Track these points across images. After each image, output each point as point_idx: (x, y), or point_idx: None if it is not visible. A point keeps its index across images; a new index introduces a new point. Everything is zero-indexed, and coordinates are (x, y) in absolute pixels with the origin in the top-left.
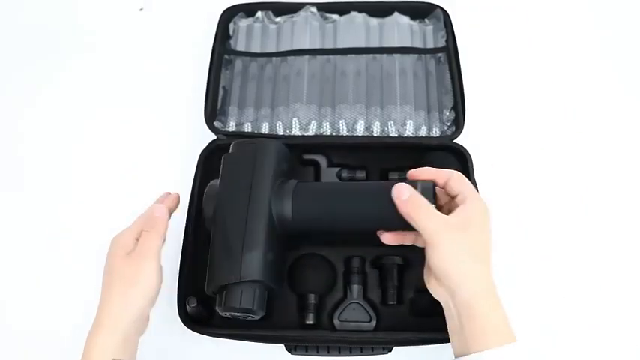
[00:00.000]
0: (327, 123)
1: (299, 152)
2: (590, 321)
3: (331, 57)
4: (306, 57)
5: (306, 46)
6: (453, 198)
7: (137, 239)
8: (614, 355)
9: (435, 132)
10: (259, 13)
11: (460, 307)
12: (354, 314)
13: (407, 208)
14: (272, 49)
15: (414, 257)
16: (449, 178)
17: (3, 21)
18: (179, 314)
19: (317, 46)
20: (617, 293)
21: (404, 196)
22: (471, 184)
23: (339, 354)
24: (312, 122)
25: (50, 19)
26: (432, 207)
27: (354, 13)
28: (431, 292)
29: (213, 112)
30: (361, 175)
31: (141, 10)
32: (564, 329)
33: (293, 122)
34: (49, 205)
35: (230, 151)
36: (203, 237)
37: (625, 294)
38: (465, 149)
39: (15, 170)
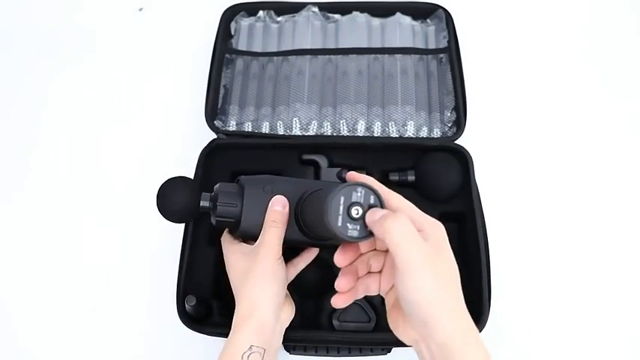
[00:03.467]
0: (328, 123)
1: (299, 152)
2: (590, 321)
3: (333, 57)
4: (308, 57)
5: (308, 46)
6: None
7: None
8: (613, 355)
9: (436, 133)
10: (261, 13)
11: (436, 352)
12: (354, 315)
13: (382, 226)
14: (273, 49)
15: None
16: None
17: (2, 21)
18: (178, 313)
19: (318, 46)
20: (618, 293)
21: (377, 213)
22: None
23: (338, 354)
24: (313, 122)
25: (50, 19)
26: (410, 223)
27: (355, 13)
28: (398, 335)
29: (213, 111)
30: None
31: (141, 10)
32: (564, 329)
33: (294, 122)
34: (48, 205)
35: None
36: (202, 236)
37: (626, 294)
38: (466, 150)
39: (15, 170)
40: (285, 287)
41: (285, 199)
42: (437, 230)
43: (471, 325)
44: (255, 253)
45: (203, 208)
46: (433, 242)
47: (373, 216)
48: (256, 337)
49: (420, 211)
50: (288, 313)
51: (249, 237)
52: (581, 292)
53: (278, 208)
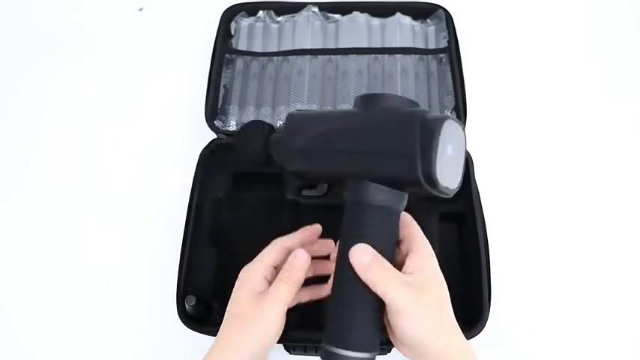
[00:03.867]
0: None
1: None
2: (590, 321)
3: (333, 57)
4: (308, 57)
5: (308, 46)
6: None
7: (266, 278)
8: (613, 355)
9: None
10: (261, 13)
11: None
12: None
13: (371, 275)
14: (273, 49)
15: None
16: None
17: (2, 21)
18: (178, 313)
19: (318, 46)
20: (618, 293)
21: (365, 260)
22: (419, 228)
23: None
24: None
25: (50, 19)
26: (393, 269)
27: (355, 13)
28: (396, 346)
29: (213, 111)
30: None
31: (140, 10)
32: (564, 329)
33: None
34: (48, 205)
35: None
36: (202, 235)
37: (626, 294)
38: (466, 150)
39: (15, 170)
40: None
41: (308, 257)
42: (425, 257)
43: (461, 340)
44: (260, 299)
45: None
46: (421, 275)
47: (360, 259)
48: None
49: (417, 228)
50: None
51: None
52: (581, 292)
53: (297, 265)
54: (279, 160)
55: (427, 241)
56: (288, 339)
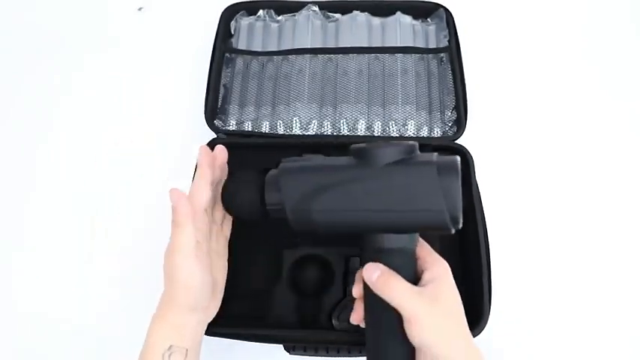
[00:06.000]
0: (328, 122)
1: (299, 152)
2: (590, 321)
3: (333, 56)
4: (308, 56)
5: (308, 45)
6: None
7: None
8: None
9: (437, 132)
10: (261, 12)
11: None
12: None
13: (380, 287)
14: (273, 48)
15: None
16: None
17: (2, 21)
18: None
19: (318, 45)
20: (618, 293)
21: (374, 276)
22: (427, 245)
23: (338, 354)
24: (313, 121)
25: (50, 19)
26: (403, 281)
27: (356, 12)
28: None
29: (213, 110)
30: None
31: (140, 9)
32: (564, 329)
33: (294, 121)
34: (48, 205)
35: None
36: None
37: (626, 294)
38: (467, 150)
39: (14, 170)
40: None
41: (182, 194)
42: (440, 272)
43: (474, 348)
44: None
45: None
46: (435, 285)
47: (370, 275)
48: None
49: (429, 248)
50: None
51: (300, 227)
52: (581, 291)
53: (176, 206)
54: (280, 217)
55: (441, 258)
56: (288, 339)
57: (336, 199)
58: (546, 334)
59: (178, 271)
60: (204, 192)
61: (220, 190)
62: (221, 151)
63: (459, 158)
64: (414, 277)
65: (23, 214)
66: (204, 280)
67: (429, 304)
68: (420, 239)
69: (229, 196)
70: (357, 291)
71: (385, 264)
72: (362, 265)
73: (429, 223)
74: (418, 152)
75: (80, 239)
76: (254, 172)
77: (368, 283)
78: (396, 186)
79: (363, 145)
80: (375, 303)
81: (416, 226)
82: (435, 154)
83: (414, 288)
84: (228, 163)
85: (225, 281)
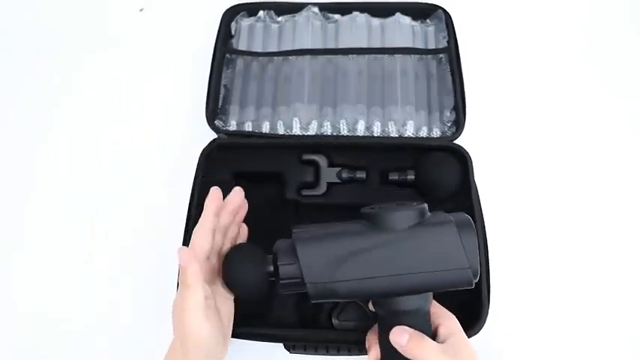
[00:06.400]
0: (328, 123)
1: (299, 152)
2: (590, 321)
3: (333, 57)
4: (308, 57)
5: (308, 46)
6: None
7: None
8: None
9: (436, 132)
10: (261, 13)
11: None
12: (353, 314)
13: (409, 350)
14: (274, 49)
15: None
16: None
17: (3, 21)
18: None
19: (318, 46)
20: (618, 293)
21: (403, 340)
22: (437, 304)
23: (338, 353)
24: (313, 122)
25: (50, 19)
26: (431, 341)
27: (355, 13)
28: None
29: (214, 110)
30: (361, 175)
31: (141, 10)
32: (564, 329)
33: (294, 122)
34: (48, 205)
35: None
36: None
37: (626, 294)
38: (465, 150)
39: (14, 170)
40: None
41: (191, 255)
42: (452, 322)
43: None
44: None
45: (268, 273)
46: (452, 342)
47: (400, 340)
48: None
49: (438, 305)
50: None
51: (320, 298)
52: (581, 291)
53: (185, 267)
54: (291, 292)
55: (450, 313)
56: (288, 338)
57: (358, 268)
58: (545, 333)
59: (189, 329)
60: (206, 241)
61: (229, 235)
62: (237, 194)
63: (469, 216)
64: (431, 332)
65: (23, 213)
66: (215, 332)
67: (454, 358)
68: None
69: (233, 272)
70: (374, 354)
71: (405, 325)
72: (380, 327)
73: (454, 281)
74: (428, 212)
75: (80, 239)
76: (254, 247)
77: (397, 346)
78: (419, 249)
79: (376, 210)
80: None
81: (440, 285)
82: (444, 213)
83: (439, 346)
84: (229, 163)
85: (232, 319)
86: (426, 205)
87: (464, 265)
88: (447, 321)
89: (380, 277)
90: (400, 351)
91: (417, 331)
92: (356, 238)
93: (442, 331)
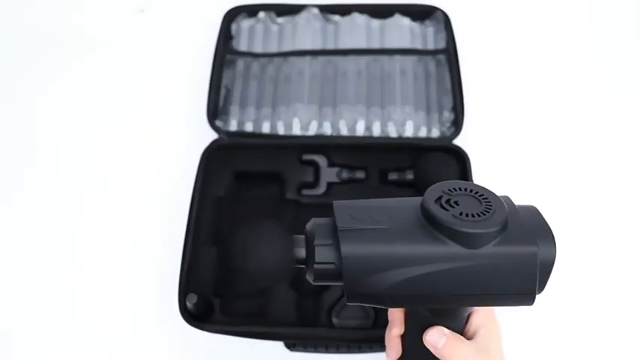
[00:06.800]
0: (328, 123)
1: (299, 152)
2: (590, 321)
3: (332, 58)
4: (308, 57)
5: (308, 47)
6: None
7: None
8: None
9: (435, 132)
10: (261, 14)
11: None
12: (353, 312)
13: (445, 353)
14: (274, 50)
15: None
16: None
17: (3, 21)
18: (180, 310)
19: (318, 47)
20: (618, 293)
21: (440, 343)
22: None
23: (338, 351)
24: (313, 122)
25: (51, 19)
26: (467, 343)
27: (355, 15)
28: None
29: (215, 111)
30: (360, 175)
31: (142, 11)
32: (564, 329)
33: (294, 122)
34: (48, 205)
35: None
36: (203, 234)
37: (626, 294)
38: (464, 150)
39: (15, 170)
40: None
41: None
42: (483, 312)
43: None
44: None
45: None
46: (483, 336)
47: (437, 342)
48: None
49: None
50: None
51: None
52: (580, 291)
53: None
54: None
55: (493, 313)
56: (289, 336)
57: (417, 278)
58: (546, 334)
59: None
60: None
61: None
62: None
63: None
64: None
65: (23, 214)
66: None
67: (486, 356)
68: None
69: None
70: (394, 354)
71: (440, 323)
72: (410, 322)
73: (514, 303)
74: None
75: (80, 239)
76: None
77: (431, 348)
78: (493, 272)
79: (463, 229)
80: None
81: (499, 304)
82: (521, 224)
83: (473, 347)
84: (230, 163)
85: None
86: (506, 216)
87: (531, 290)
88: (479, 308)
89: (439, 294)
90: (433, 352)
91: (454, 334)
92: (421, 246)
93: (474, 320)
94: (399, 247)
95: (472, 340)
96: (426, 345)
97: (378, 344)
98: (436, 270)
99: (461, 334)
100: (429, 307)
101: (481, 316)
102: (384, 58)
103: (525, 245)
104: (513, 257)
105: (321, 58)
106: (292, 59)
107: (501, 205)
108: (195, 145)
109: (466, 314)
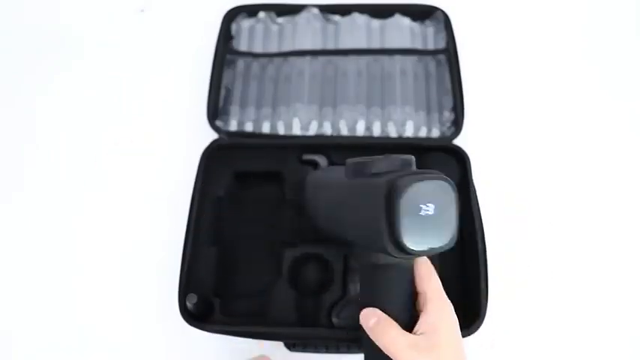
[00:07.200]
0: (328, 123)
1: (299, 152)
2: (590, 321)
3: (332, 58)
4: (308, 57)
5: (308, 47)
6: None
7: None
8: (613, 355)
9: (435, 133)
10: (262, 14)
11: None
12: (353, 312)
13: (375, 335)
14: (274, 50)
15: None
16: (417, 268)
17: (2, 22)
18: (180, 310)
19: (318, 47)
20: (617, 293)
21: (370, 322)
22: (436, 280)
23: (337, 351)
24: (313, 122)
25: (51, 19)
26: (399, 329)
27: (355, 15)
28: None
29: (215, 111)
30: None
31: (142, 11)
32: (563, 329)
33: (294, 122)
34: (49, 205)
35: None
36: (204, 234)
37: (625, 294)
38: (463, 151)
39: (15, 170)
40: None
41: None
42: (439, 317)
43: None
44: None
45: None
46: (430, 334)
47: (367, 321)
48: None
49: (437, 284)
50: None
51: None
52: (580, 291)
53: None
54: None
55: (444, 295)
56: (288, 336)
57: (318, 197)
58: (545, 334)
59: None
60: None
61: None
62: None
63: (430, 179)
64: (409, 304)
65: (23, 214)
66: None
67: (426, 356)
68: (428, 269)
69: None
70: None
71: (375, 285)
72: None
73: (372, 241)
74: (413, 166)
75: (80, 239)
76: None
77: (364, 328)
78: (352, 199)
79: (354, 160)
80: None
81: (365, 241)
82: (415, 172)
83: (410, 338)
84: (230, 163)
85: None
86: (408, 157)
87: (377, 227)
88: (435, 305)
89: (329, 217)
90: (369, 335)
91: (389, 319)
92: (332, 184)
93: (424, 319)
94: (326, 177)
95: (413, 334)
96: (362, 325)
97: None
98: (328, 194)
99: (411, 332)
100: (324, 228)
101: (430, 313)
102: (384, 58)
103: (377, 179)
104: (365, 187)
105: (321, 58)
106: (292, 59)
107: (388, 161)
108: (196, 145)
109: (417, 314)
